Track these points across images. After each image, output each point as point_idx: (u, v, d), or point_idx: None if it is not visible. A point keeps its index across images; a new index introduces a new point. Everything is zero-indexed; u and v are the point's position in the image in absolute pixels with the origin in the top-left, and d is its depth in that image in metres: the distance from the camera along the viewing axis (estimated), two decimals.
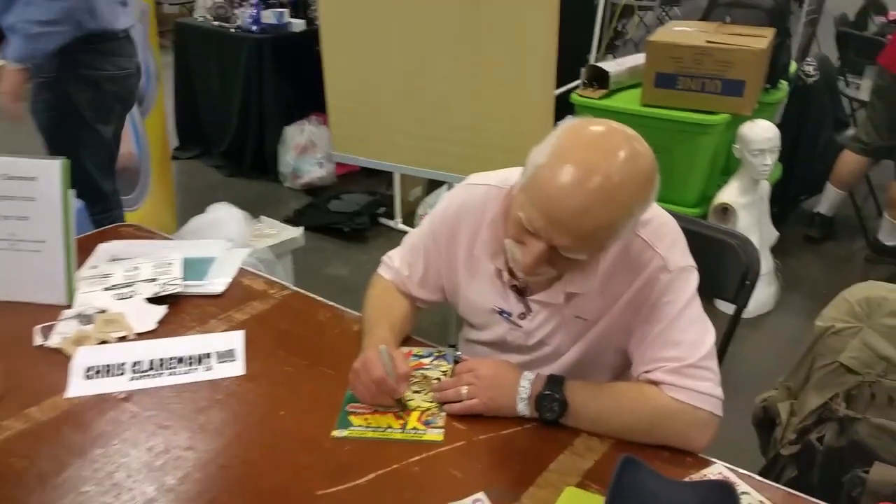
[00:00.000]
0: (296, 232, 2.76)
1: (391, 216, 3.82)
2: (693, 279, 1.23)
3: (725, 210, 3.00)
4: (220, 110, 4.36)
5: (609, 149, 1.07)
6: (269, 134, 4.23)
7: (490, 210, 1.29)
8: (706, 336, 1.21)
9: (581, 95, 3.22)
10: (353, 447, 1.16)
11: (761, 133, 2.90)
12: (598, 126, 1.11)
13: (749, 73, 2.91)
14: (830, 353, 1.56)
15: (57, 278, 1.47)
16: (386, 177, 4.13)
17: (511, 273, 1.29)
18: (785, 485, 1.59)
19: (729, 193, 3.01)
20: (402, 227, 3.78)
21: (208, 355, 1.35)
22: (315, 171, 4.15)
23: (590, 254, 1.13)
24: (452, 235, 1.35)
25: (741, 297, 1.53)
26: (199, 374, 1.30)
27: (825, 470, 1.45)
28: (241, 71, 4.13)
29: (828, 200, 3.66)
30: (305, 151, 4.16)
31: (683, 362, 1.17)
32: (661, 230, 1.24)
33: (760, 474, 1.60)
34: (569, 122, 1.14)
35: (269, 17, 4.10)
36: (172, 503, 1.04)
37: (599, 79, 3.28)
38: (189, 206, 3.33)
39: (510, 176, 1.31)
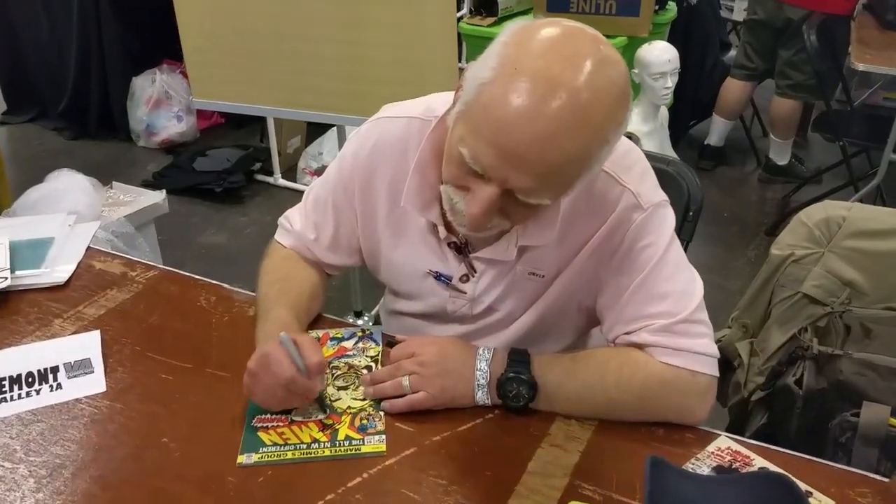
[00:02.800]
0: (157, 196, 2.35)
1: (269, 172, 3.44)
2: (670, 216, 1.01)
3: (629, 139, 2.84)
4: (53, 65, 3.78)
5: (572, 55, 0.80)
6: (114, 87, 3.72)
7: (413, 148, 1.01)
8: (695, 282, 1.00)
9: (469, 24, 2.96)
10: (269, 478, 0.87)
11: (661, 55, 2.75)
12: (553, 28, 0.83)
13: None
14: (791, 283, 1.40)
15: None
16: (257, 127, 3.72)
17: (448, 227, 1.02)
18: (755, 433, 1.47)
19: (631, 122, 2.85)
20: (282, 182, 3.41)
21: (55, 369, 1.01)
22: (173, 125, 3.67)
23: (555, 196, 0.87)
24: (367, 183, 1.06)
25: (686, 230, 1.35)
26: (45, 398, 0.97)
27: (805, 415, 1.30)
28: (74, 18, 3.58)
29: (717, 131, 3.62)
30: (159, 105, 3.67)
31: (673, 318, 0.96)
32: (627, 159, 1.00)
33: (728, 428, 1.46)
34: (516, 25, 0.86)
35: None
36: None
37: (487, 5, 3.04)
38: (27, 178, 2.80)
39: (435, 104, 1.03)
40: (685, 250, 1.29)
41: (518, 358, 0.97)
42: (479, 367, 0.97)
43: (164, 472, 0.87)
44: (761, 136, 3.85)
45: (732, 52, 3.76)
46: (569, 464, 0.90)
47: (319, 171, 3.34)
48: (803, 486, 0.79)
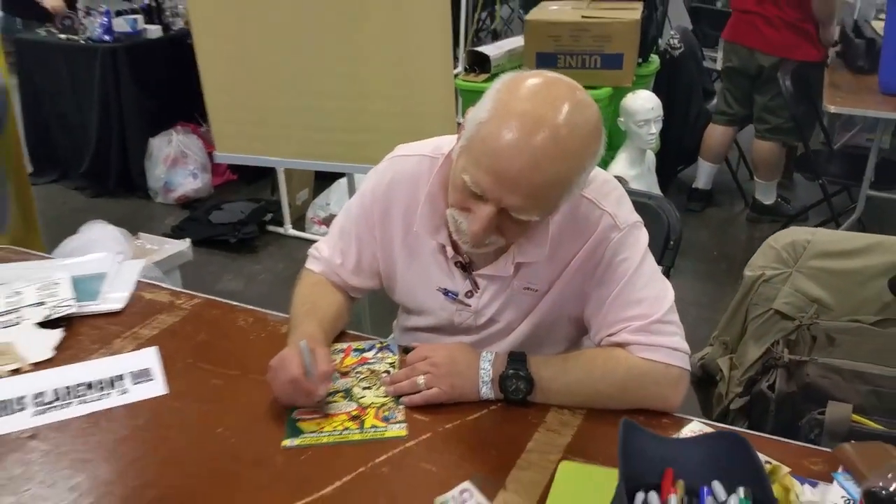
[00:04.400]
0: (182, 244, 2.54)
1: (280, 222, 3.64)
2: (644, 235, 1.19)
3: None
4: (76, 129, 4.00)
5: (553, 99, 1.00)
6: (133, 148, 3.93)
7: (424, 182, 1.20)
8: (666, 290, 1.17)
9: (464, 80, 3.19)
10: (310, 456, 1.03)
11: (644, 103, 2.98)
12: (537, 78, 1.03)
13: (626, 45, 2.98)
14: (763, 301, 1.57)
15: None
16: (268, 182, 3.94)
17: (455, 248, 1.20)
18: None
19: (619, 166, 3.07)
20: (292, 232, 3.60)
21: (121, 377, 1.18)
22: (189, 182, 3.89)
23: (542, 214, 1.05)
24: (385, 213, 1.25)
25: (667, 258, 1.52)
26: (114, 399, 1.13)
27: (778, 417, 1.46)
28: (95, 85, 3.81)
29: (703, 175, 3.80)
30: (176, 163, 3.89)
31: (648, 319, 1.13)
32: (605, 188, 1.18)
33: None
34: (507, 76, 1.07)
35: (121, 24, 3.80)
36: None
37: (480, 63, 3.27)
38: (54, 234, 3.01)
39: (442, 144, 1.22)
40: (668, 275, 1.48)
41: (516, 358, 1.14)
42: (482, 366, 1.14)
43: (221, 455, 1.03)
44: (748, 178, 4.06)
45: (715, 101, 4.00)
46: (562, 444, 1.06)
47: (327, 221, 3.55)
48: (763, 457, 0.95)
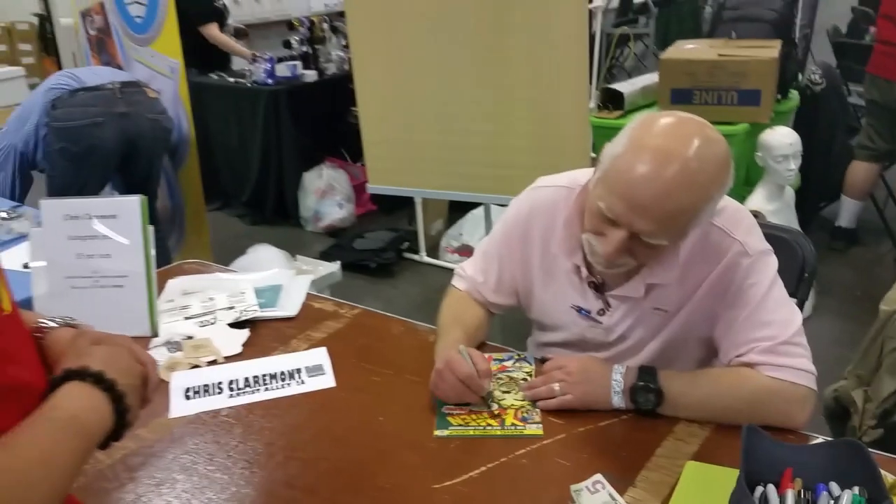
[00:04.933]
0: (333, 267, 2.79)
1: (415, 250, 3.87)
2: (773, 262, 1.26)
3: (755, 217, 3.04)
4: (239, 162, 4.44)
5: (684, 135, 1.11)
6: (288, 181, 4.31)
7: (561, 210, 1.32)
8: (794, 314, 1.23)
9: (598, 117, 3.30)
10: (458, 445, 1.17)
11: (782, 139, 2.97)
12: (669, 117, 1.15)
13: (763, 82, 2.99)
14: None
15: (141, 311, 1.50)
16: (406, 213, 4.19)
17: (589, 269, 1.31)
18: None
19: (756, 201, 3.06)
20: (427, 260, 3.82)
21: (299, 370, 1.37)
22: (335, 212, 4.21)
23: (671, 239, 1.15)
24: (525, 238, 1.38)
25: (801, 290, 1.54)
26: (294, 388, 1.33)
27: None
28: (259, 123, 4.22)
29: (847, 212, 3.67)
30: (325, 195, 4.22)
31: (776, 340, 1.19)
32: (736, 216, 1.26)
33: None
34: (641, 115, 1.19)
35: (283, 70, 4.21)
36: (299, 495, 1.07)
37: (614, 100, 3.37)
38: (220, 255, 3.37)
39: (578, 176, 1.34)
40: (801, 306, 1.52)
41: (647, 371, 1.23)
42: (614, 377, 1.24)
43: (382, 438, 1.19)
44: None
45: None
46: (689, 451, 1.14)
47: (459, 250, 3.74)
48: (886, 474, 0.99)
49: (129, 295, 1.50)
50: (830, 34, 4.78)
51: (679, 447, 1.15)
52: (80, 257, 1.52)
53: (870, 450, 1.10)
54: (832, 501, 0.83)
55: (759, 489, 0.86)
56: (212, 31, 4.41)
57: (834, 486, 0.85)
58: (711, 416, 1.20)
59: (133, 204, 1.49)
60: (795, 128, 3.59)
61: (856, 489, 0.83)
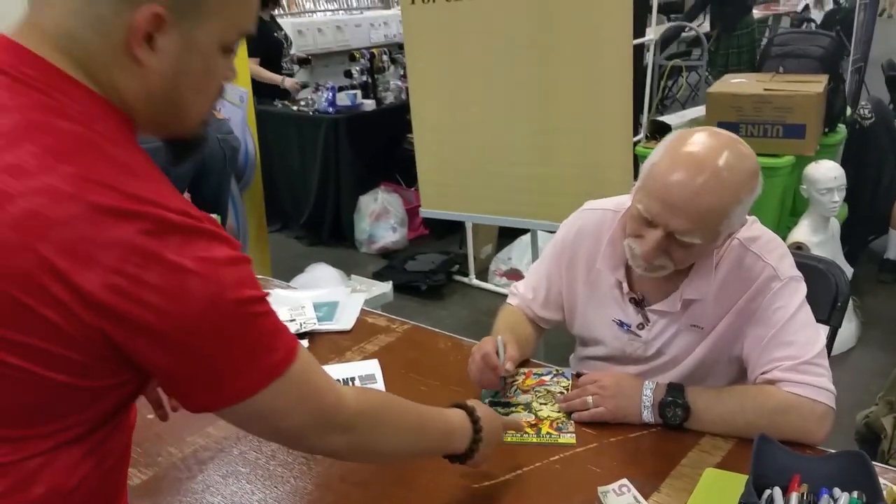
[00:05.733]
0: (385, 287, 2.94)
1: (465, 273, 3.99)
2: (802, 288, 1.34)
3: (799, 249, 3.08)
4: (299, 186, 4.65)
5: (716, 146, 1.23)
6: (345, 204, 4.50)
7: (607, 230, 1.44)
8: (818, 337, 1.31)
9: (645, 147, 3.38)
10: (497, 451, 1.27)
11: (827, 172, 3.01)
12: (703, 131, 1.28)
13: (809, 116, 3.04)
14: None
15: None
16: (456, 237, 4.33)
17: (630, 285, 1.42)
18: None
19: (801, 232, 3.10)
20: (476, 283, 3.93)
21: (353, 378, 1.50)
22: (389, 235, 4.37)
23: (704, 237, 1.24)
24: (573, 256, 1.50)
25: (834, 318, 1.61)
26: None
27: None
28: (318, 149, 4.43)
29: (895, 245, 3.69)
30: (379, 218, 4.39)
31: (798, 360, 1.27)
32: (770, 245, 1.36)
33: None
34: (677, 131, 1.31)
35: (343, 99, 4.42)
36: (351, 489, 1.20)
37: (661, 131, 3.45)
38: (279, 273, 3.55)
39: (623, 200, 1.46)
40: (834, 333, 1.59)
41: (675, 388, 1.32)
42: (644, 392, 1.33)
43: None
44: None
45: None
46: (712, 462, 1.22)
47: (508, 273, 3.84)
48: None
49: None
50: (885, 68, 4.77)
51: (703, 458, 1.24)
52: None
53: (887, 467, 1.18)
54: (831, 502, 0.91)
55: (767, 491, 0.95)
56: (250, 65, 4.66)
57: (836, 491, 0.93)
58: (735, 431, 1.28)
59: None
60: (844, 161, 3.63)
61: (855, 493, 0.91)
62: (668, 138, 1.29)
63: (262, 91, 4.48)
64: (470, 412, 1.10)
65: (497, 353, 1.36)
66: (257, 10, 0.86)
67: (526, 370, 1.53)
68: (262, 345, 0.80)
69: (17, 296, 0.68)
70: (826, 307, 1.61)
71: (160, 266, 0.70)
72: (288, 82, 4.70)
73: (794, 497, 0.92)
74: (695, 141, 1.24)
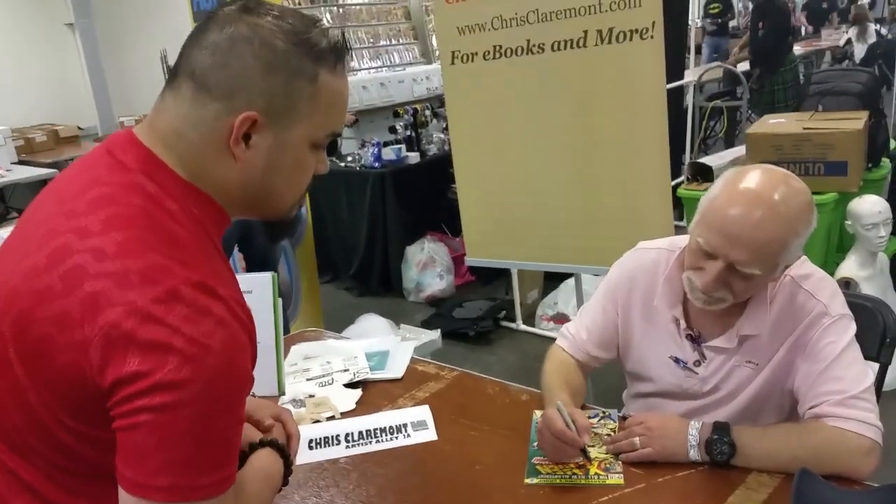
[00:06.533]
0: (434, 335, 3.01)
1: (512, 319, 4.03)
2: (852, 326, 1.37)
3: (848, 284, 3.06)
4: (348, 238, 4.78)
5: (771, 182, 1.30)
6: (393, 255, 4.60)
7: (662, 268, 1.49)
8: (866, 373, 1.34)
9: (687, 189, 3.43)
10: (546, 492, 1.32)
11: (871, 207, 3.00)
12: (758, 169, 1.34)
13: (850, 153, 3.05)
14: None
15: (270, 374, 1.73)
16: (502, 283, 4.38)
17: (687, 322, 1.46)
18: None
19: (848, 267, 3.08)
20: (523, 328, 3.97)
21: (405, 425, 1.56)
22: (436, 283, 4.46)
23: (763, 268, 1.29)
24: (629, 292, 1.55)
25: (884, 354, 1.61)
26: (401, 441, 1.52)
27: None
28: (366, 202, 4.57)
29: None
30: (426, 267, 4.48)
31: (846, 394, 1.30)
32: (822, 283, 1.41)
33: None
34: (732, 169, 1.38)
35: (388, 153, 4.57)
36: None
37: (703, 173, 3.50)
38: (330, 323, 3.65)
39: (676, 240, 1.52)
40: (884, 370, 1.60)
41: (721, 426, 1.34)
42: (691, 432, 1.36)
43: (479, 484, 1.36)
44: None
45: None
46: (759, 500, 1.24)
47: (555, 318, 3.88)
48: None
49: (261, 359, 1.72)
50: None
51: (749, 495, 1.26)
52: None
53: None
54: None
55: None
56: None
57: None
58: (782, 466, 1.29)
59: (266, 280, 1.75)
60: (890, 195, 3.60)
61: None
62: (725, 175, 1.35)
63: None
64: (276, 447, 1.09)
65: (565, 421, 1.34)
66: (345, 114, 0.98)
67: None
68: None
69: None
70: (875, 344, 1.61)
71: None
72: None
73: None
74: (751, 177, 1.31)
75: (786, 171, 1.32)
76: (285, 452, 1.09)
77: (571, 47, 2.57)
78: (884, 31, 8.79)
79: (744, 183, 1.30)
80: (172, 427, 0.78)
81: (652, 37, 2.40)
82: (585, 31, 2.53)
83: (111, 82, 7.61)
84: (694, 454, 1.34)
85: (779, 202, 1.26)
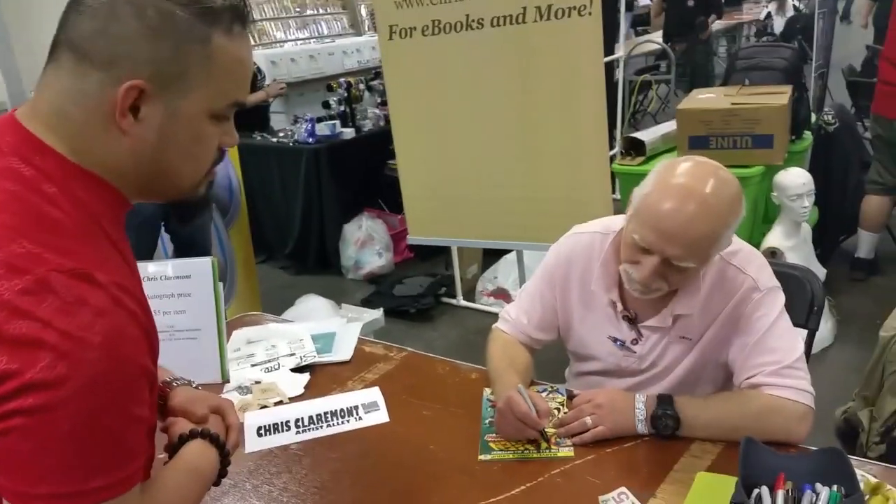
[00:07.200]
0: (377, 313, 2.99)
1: (453, 295, 4.05)
2: (780, 297, 1.43)
3: (774, 254, 3.19)
4: (282, 217, 4.70)
5: (701, 175, 1.32)
6: (329, 233, 4.55)
7: (597, 252, 1.52)
8: (797, 342, 1.40)
9: (620, 164, 3.49)
10: (500, 468, 1.35)
11: (796, 179, 3.13)
12: (688, 161, 1.37)
13: (775, 127, 3.16)
14: None
15: (212, 361, 1.70)
16: (441, 259, 4.39)
17: (623, 304, 1.49)
18: None
19: (774, 238, 3.21)
20: (464, 303, 4.00)
21: (356, 407, 1.56)
22: (375, 261, 4.43)
23: (697, 261, 1.34)
24: (566, 277, 1.57)
25: (812, 321, 1.70)
26: (353, 424, 1.51)
27: None
28: (300, 179, 4.49)
29: (864, 244, 3.82)
30: (364, 245, 4.45)
31: (780, 364, 1.36)
32: (750, 257, 1.46)
33: None
34: (665, 161, 1.40)
35: (322, 129, 4.49)
36: None
37: (636, 147, 3.55)
38: (267, 304, 3.60)
39: (609, 223, 1.54)
40: (812, 335, 1.68)
41: (664, 399, 1.39)
42: (637, 406, 1.40)
43: (434, 464, 1.37)
44: None
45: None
46: (703, 466, 1.30)
47: (495, 293, 3.92)
48: (870, 476, 1.14)
49: (203, 346, 1.70)
50: (845, 73, 4.94)
51: (694, 463, 1.31)
52: (157, 314, 1.72)
53: (873, 461, 1.26)
54: (814, 497, 0.99)
55: (756, 491, 1.02)
56: None
57: (818, 486, 1.01)
58: (723, 435, 1.35)
59: (205, 265, 1.71)
60: (811, 166, 3.76)
61: (835, 487, 0.99)
62: (656, 169, 1.37)
63: (241, 124, 4.54)
64: (208, 437, 1.02)
65: (527, 404, 1.36)
66: (248, 81, 0.90)
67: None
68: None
69: None
70: (803, 312, 1.69)
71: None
72: (271, 88, 4.76)
73: (780, 495, 0.99)
74: (681, 171, 1.33)
75: (715, 163, 1.35)
76: (220, 443, 1.02)
77: (511, 23, 2.57)
78: (800, 5, 9.11)
79: (675, 178, 1.32)
80: (50, 430, 0.72)
81: (590, 13, 2.43)
82: (524, 8, 2.54)
83: (19, 52, 7.20)
84: (641, 427, 1.39)
85: (709, 195, 1.28)
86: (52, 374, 0.71)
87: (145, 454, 0.84)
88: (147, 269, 1.73)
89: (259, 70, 5.13)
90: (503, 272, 3.94)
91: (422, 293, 4.02)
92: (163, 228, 3.15)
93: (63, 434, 0.72)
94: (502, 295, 3.85)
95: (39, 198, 0.78)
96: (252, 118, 4.82)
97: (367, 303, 4.01)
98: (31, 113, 0.83)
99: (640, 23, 9.74)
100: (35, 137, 0.81)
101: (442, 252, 4.28)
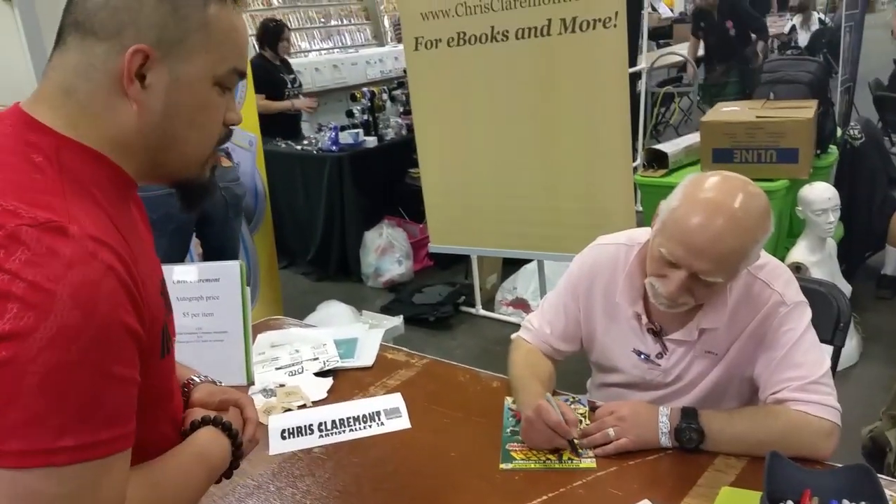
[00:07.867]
0: (396, 320, 3.00)
1: (472, 304, 4.06)
2: (807, 312, 1.42)
3: (798, 269, 3.16)
4: (305, 223, 4.74)
5: (730, 190, 1.31)
6: (350, 240, 4.57)
7: (622, 263, 1.51)
8: (824, 358, 1.39)
9: (643, 176, 3.48)
10: (522, 477, 1.35)
11: (821, 194, 3.10)
12: (716, 176, 1.36)
13: (800, 141, 3.14)
14: None
15: (238, 363, 1.71)
16: (461, 268, 4.40)
17: (648, 316, 1.49)
18: None
19: (799, 253, 3.18)
20: (483, 312, 4.00)
21: (378, 413, 1.57)
22: (395, 268, 4.45)
23: (725, 276, 1.33)
24: (590, 288, 1.57)
25: (837, 338, 1.68)
26: (375, 429, 1.52)
27: None
28: (323, 187, 4.52)
29: (892, 261, 3.78)
30: (385, 252, 4.47)
31: (806, 380, 1.35)
32: (776, 272, 1.45)
33: None
34: (693, 175, 1.40)
35: (346, 137, 4.53)
36: None
37: (658, 159, 3.55)
38: (288, 309, 3.62)
39: (634, 235, 1.54)
40: (838, 352, 1.66)
41: (688, 412, 1.38)
42: (661, 419, 1.39)
43: (454, 471, 1.37)
44: None
45: None
46: (727, 481, 1.29)
47: (514, 303, 3.91)
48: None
49: (229, 348, 1.71)
50: (872, 87, 4.90)
51: (718, 477, 1.30)
52: (185, 316, 1.75)
53: (893, 479, 1.24)
54: None
55: None
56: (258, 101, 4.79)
57: (845, 503, 1.00)
58: (747, 450, 1.34)
59: (233, 268, 1.73)
60: (837, 181, 3.73)
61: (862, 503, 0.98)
62: (684, 184, 1.37)
63: (267, 130, 4.59)
64: (220, 425, 1.00)
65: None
66: (246, 46, 0.92)
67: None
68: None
69: None
70: (829, 328, 1.67)
71: None
72: (298, 103, 4.82)
73: None
74: (710, 186, 1.33)
75: (743, 178, 1.34)
76: (232, 432, 1.00)
77: (535, 35, 2.58)
78: (825, 18, 9.05)
79: (703, 192, 1.32)
80: (18, 383, 0.69)
81: (615, 26, 2.43)
82: (549, 20, 2.55)
83: None
84: (665, 440, 1.38)
85: (738, 210, 1.27)
86: (20, 324, 0.69)
87: (134, 421, 0.79)
88: (177, 273, 1.75)
89: (295, 79, 5.19)
90: (522, 282, 3.94)
91: (441, 302, 4.02)
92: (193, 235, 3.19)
93: (31, 387, 0.69)
94: (521, 305, 3.84)
95: (25, 164, 0.79)
96: (286, 127, 4.87)
97: (387, 310, 4.02)
98: (33, 98, 0.84)
99: (661, 35, 9.73)
100: (31, 118, 0.82)
101: (461, 261, 4.28)
